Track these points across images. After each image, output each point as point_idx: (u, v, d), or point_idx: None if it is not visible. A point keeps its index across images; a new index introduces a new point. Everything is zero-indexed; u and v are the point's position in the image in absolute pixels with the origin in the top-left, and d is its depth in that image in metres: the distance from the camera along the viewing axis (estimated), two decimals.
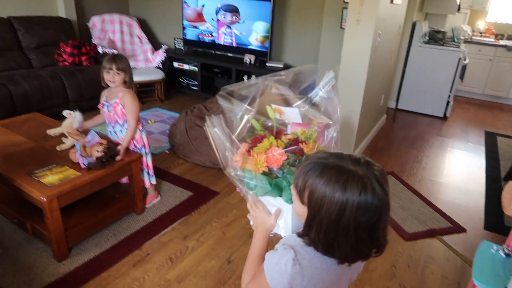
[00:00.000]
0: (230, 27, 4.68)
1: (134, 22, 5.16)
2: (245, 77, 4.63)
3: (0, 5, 4.13)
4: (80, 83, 4.02)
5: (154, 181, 2.57)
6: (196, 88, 5.13)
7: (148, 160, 2.49)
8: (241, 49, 4.70)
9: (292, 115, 1.07)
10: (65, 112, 2.35)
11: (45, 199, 1.82)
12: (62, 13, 4.70)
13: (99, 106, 2.37)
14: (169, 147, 3.52)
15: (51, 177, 1.98)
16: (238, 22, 4.58)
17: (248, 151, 1.04)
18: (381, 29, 3.05)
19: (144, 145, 2.44)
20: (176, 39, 5.25)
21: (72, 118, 2.30)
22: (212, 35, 4.87)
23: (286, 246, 0.85)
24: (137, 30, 5.17)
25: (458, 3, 4.92)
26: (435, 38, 4.96)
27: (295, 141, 1.04)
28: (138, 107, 2.30)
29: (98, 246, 2.18)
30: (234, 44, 4.74)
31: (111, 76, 2.21)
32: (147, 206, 2.58)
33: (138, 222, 2.44)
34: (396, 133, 4.36)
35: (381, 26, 3.03)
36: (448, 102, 4.84)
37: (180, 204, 2.67)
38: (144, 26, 5.57)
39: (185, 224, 2.48)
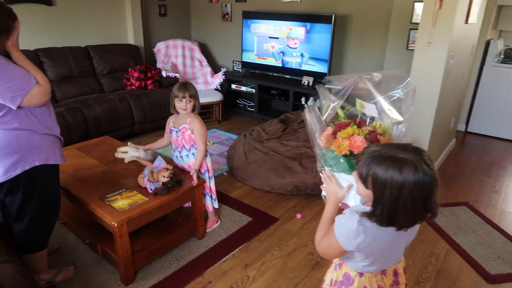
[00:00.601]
0: (288, 50, 4.69)
1: (195, 46, 5.37)
2: (303, 99, 4.58)
3: (78, 35, 4.52)
4: (145, 106, 4.22)
5: (216, 205, 2.58)
6: (253, 110, 5.17)
7: (211, 184, 2.51)
8: (299, 71, 4.68)
9: (371, 109, 1.26)
10: (133, 146, 2.49)
11: (116, 224, 1.88)
12: (131, 40, 5.02)
13: (167, 131, 2.44)
14: (227, 169, 3.54)
15: (122, 201, 2.05)
16: (296, 47, 4.58)
17: (332, 134, 1.25)
18: (454, 51, 2.86)
19: (208, 170, 2.47)
20: (235, 62, 5.37)
21: (136, 151, 2.45)
22: (269, 58, 4.90)
23: (353, 211, 1.07)
24: (198, 54, 5.37)
25: None
26: None
27: (374, 132, 1.24)
28: (206, 132, 2.35)
29: (162, 271, 2.21)
30: (292, 66, 4.73)
31: (184, 104, 2.27)
32: (208, 230, 2.58)
33: (200, 247, 2.44)
34: (468, 158, 4.03)
35: (454, 48, 2.84)
36: None
37: (240, 230, 2.64)
38: (205, 50, 5.78)
39: (246, 251, 2.43)
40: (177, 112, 2.36)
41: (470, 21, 3.07)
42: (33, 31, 4.11)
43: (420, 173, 0.93)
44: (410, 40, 3.83)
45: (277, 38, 4.73)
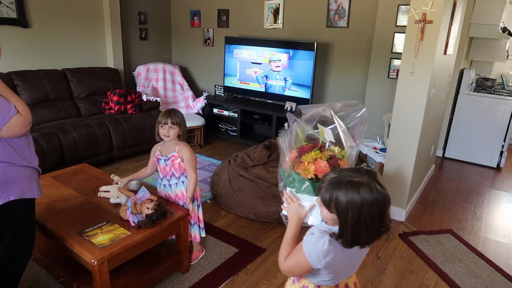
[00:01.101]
0: (270, 75, 4.71)
1: (176, 70, 5.32)
2: (286, 124, 4.57)
3: (55, 58, 4.38)
4: (125, 130, 4.09)
5: (203, 234, 2.48)
6: (235, 134, 5.12)
7: (199, 213, 2.41)
8: (282, 96, 4.69)
9: (329, 134, 1.37)
10: (116, 178, 2.42)
11: (96, 262, 1.74)
12: (111, 64, 4.92)
13: (153, 160, 2.35)
14: (211, 196, 3.44)
15: (102, 236, 1.91)
16: (279, 70, 4.61)
17: (296, 158, 1.33)
18: (435, 81, 2.94)
19: (196, 198, 2.38)
20: (217, 86, 5.35)
21: (123, 184, 2.36)
22: (252, 83, 4.91)
23: (322, 231, 1.15)
24: (179, 78, 5.32)
25: (507, 50, 4.76)
26: (484, 85, 4.77)
27: (335, 158, 1.34)
28: (195, 159, 2.29)
29: None
30: (275, 91, 4.75)
31: (166, 130, 2.21)
32: (193, 262, 2.46)
33: (184, 282, 2.31)
34: (448, 184, 4.09)
35: (435, 77, 2.91)
36: (501, 152, 4.55)
37: (226, 262, 2.53)
38: (186, 73, 5.74)
39: (232, 285, 2.32)
40: (161, 139, 2.28)
41: (448, 52, 3.19)
42: (7, 54, 3.94)
43: (375, 193, 1.05)
44: (391, 69, 3.92)
45: (260, 63, 4.76)
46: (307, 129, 1.41)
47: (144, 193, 2.13)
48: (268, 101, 4.90)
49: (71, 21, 4.47)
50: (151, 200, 2.07)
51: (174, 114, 2.22)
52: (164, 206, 2.12)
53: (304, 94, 4.48)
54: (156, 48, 5.65)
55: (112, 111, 4.34)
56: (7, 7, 3.85)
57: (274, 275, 2.43)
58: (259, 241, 2.80)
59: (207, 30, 5.44)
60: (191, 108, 5.09)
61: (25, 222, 1.70)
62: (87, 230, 1.96)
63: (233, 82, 5.08)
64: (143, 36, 5.41)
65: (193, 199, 2.34)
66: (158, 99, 4.71)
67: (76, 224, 2.02)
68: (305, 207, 1.31)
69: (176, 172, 2.30)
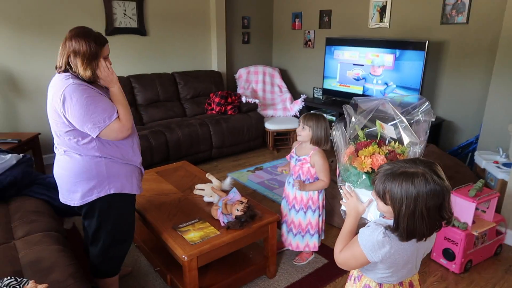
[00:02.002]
0: (369, 78, 4.42)
1: (276, 72, 5.37)
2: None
3: (167, 63, 4.80)
4: (224, 131, 4.26)
5: (323, 236, 2.49)
6: (332, 138, 4.93)
7: (319, 221, 2.39)
8: None
9: (390, 131, 1.34)
10: (211, 177, 2.52)
11: (186, 258, 1.81)
12: (214, 67, 5.20)
13: (287, 157, 2.42)
14: None
15: (193, 233, 1.98)
16: (379, 74, 4.29)
17: (354, 152, 1.31)
18: None
19: (318, 207, 2.36)
20: (315, 89, 5.23)
21: (220, 183, 2.44)
22: (352, 85, 4.67)
23: (378, 223, 1.13)
24: (278, 80, 5.36)
25: None
26: None
27: (394, 152, 1.31)
28: (328, 167, 2.27)
29: None
30: (373, 94, 4.43)
31: (298, 130, 2.28)
32: (303, 263, 2.48)
33: (269, 287, 2.27)
34: None
35: None
36: None
37: (314, 273, 2.42)
38: (285, 76, 5.75)
39: None
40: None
41: None
42: (127, 59, 4.45)
43: (431, 183, 1.02)
44: None
45: (362, 65, 4.49)
46: (363, 122, 1.37)
47: (235, 194, 2.16)
48: None
49: (182, 28, 4.84)
50: (241, 202, 2.08)
51: (309, 117, 2.25)
52: (254, 209, 2.12)
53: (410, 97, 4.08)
54: (257, 51, 5.79)
55: (213, 111, 4.57)
56: (130, 18, 4.34)
57: None
58: None
59: (308, 31, 5.37)
60: (289, 111, 5.08)
61: (124, 215, 1.84)
62: (181, 225, 2.06)
63: (332, 84, 4.90)
64: (246, 39, 5.59)
65: (310, 207, 2.34)
66: (257, 101, 4.80)
67: (172, 219, 2.14)
68: (364, 203, 1.30)
69: (302, 175, 2.30)
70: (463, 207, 2.37)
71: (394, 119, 1.35)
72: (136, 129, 1.87)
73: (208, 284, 2.05)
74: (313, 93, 5.29)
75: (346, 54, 4.64)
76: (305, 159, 2.27)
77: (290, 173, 2.39)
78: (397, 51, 4.10)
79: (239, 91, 5.17)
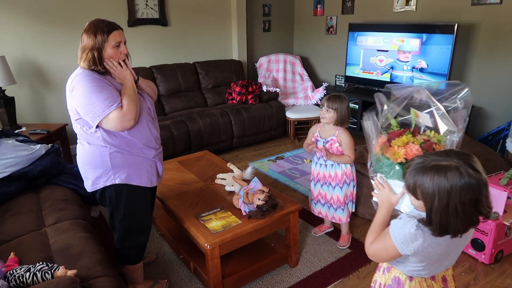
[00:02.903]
0: (397, 65, 4.28)
1: (297, 60, 5.29)
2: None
3: (188, 53, 4.81)
4: (245, 120, 4.25)
5: (353, 209, 2.53)
6: (355, 126, 4.85)
7: (354, 191, 2.50)
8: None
9: (425, 119, 1.28)
10: (232, 166, 2.53)
11: (208, 247, 1.83)
12: (235, 56, 5.18)
13: (312, 140, 2.44)
14: None
15: (215, 222, 2.00)
16: (408, 61, 4.15)
17: (386, 142, 1.27)
18: None
19: (353, 179, 2.46)
20: (338, 76, 5.14)
21: (241, 173, 2.45)
22: (376, 72, 4.55)
23: (410, 215, 1.09)
24: (299, 68, 5.28)
25: None
26: None
27: (429, 141, 1.25)
28: (353, 144, 2.35)
29: None
30: (402, 81, 4.30)
31: (323, 112, 2.32)
32: (342, 247, 2.54)
33: (291, 276, 2.27)
34: None
35: None
36: None
37: (337, 262, 2.40)
38: (306, 64, 5.66)
39: (342, 287, 2.19)
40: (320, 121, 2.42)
41: None
42: (150, 50, 4.49)
43: (466, 177, 0.96)
44: None
45: (387, 51, 4.36)
46: (396, 111, 1.32)
47: (256, 183, 2.16)
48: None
49: (202, 17, 4.83)
50: (263, 191, 2.08)
51: (333, 99, 2.29)
52: (275, 198, 2.11)
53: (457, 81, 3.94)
54: (278, 39, 5.72)
55: (234, 101, 4.57)
56: (152, 8, 4.36)
57: None
58: None
59: (330, 18, 5.24)
60: (310, 99, 5.01)
61: (135, 205, 1.81)
62: (203, 214, 2.08)
63: (355, 71, 4.79)
64: (267, 27, 5.52)
65: (345, 181, 2.41)
66: (278, 89, 4.76)
67: (194, 208, 2.17)
68: (397, 194, 1.25)
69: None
70: (494, 196, 2.25)
71: (429, 107, 1.29)
72: (158, 120, 1.87)
73: (230, 273, 2.08)
74: (335, 81, 5.19)
75: (370, 40, 4.51)
76: (333, 140, 2.33)
77: (318, 155, 2.44)
78: (424, 35, 3.96)
79: (260, 80, 5.14)
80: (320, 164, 2.45)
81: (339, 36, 5.17)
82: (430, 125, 1.29)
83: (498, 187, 2.26)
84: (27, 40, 3.72)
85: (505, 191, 2.22)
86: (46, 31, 3.79)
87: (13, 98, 3.43)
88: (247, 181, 2.30)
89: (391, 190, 1.26)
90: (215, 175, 2.53)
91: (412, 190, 1.05)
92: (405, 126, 1.34)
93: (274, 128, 4.59)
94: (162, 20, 4.47)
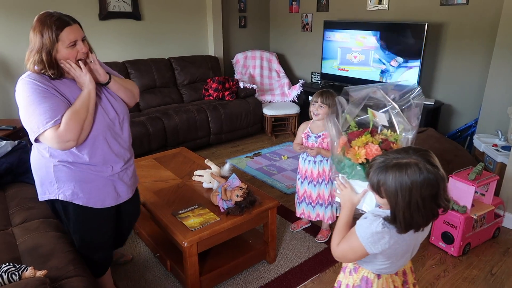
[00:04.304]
0: (371, 60, 4.37)
1: (273, 57, 5.30)
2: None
3: (162, 48, 4.71)
4: (222, 116, 4.22)
5: (338, 213, 2.53)
6: None
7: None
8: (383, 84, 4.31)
9: (382, 118, 1.30)
10: (210, 163, 2.52)
11: (186, 244, 1.80)
12: (211, 52, 5.12)
13: (303, 136, 2.45)
14: None
15: (193, 219, 1.97)
16: (380, 57, 4.24)
17: (347, 143, 1.29)
18: None
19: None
20: (314, 73, 5.18)
21: (219, 169, 2.44)
22: (351, 69, 4.62)
23: (376, 214, 1.11)
24: (276, 65, 5.29)
25: None
26: None
27: (387, 141, 1.28)
28: None
29: None
30: (375, 78, 4.39)
31: (315, 108, 2.31)
32: (326, 240, 2.58)
33: (269, 272, 2.28)
34: None
35: None
36: None
37: (314, 257, 2.43)
38: (283, 60, 5.68)
39: (319, 282, 2.21)
40: (311, 117, 2.40)
41: None
42: (122, 45, 4.36)
43: (424, 172, 1.00)
44: None
45: (360, 48, 4.44)
46: (355, 112, 1.34)
47: (234, 180, 2.14)
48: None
49: (177, 12, 4.74)
50: (241, 188, 2.07)
51: (325, 95, 2.29)
52: (253, 195, 2.10)
53: (409, 81, 4.05)
54: (254, 35, 5.70)
55: (211, 97, 4.52)
56: (124, 1, 4.23)
57: None
58: None
59: (306, 15, 5.28)
60: (287, 96, 5.03)
61: (84, 225, 1.63)
62: (180, 211, 2.04)
63: (333, 66, 4.85)
64: (242, 24, 5.49)
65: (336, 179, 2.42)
66: (255, 86, 4.75)
67: (171, 205, 2.13)
68: (358, 193, 1.28)
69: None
70: (462, 190, 2.37)
71: (385, 106, 1.32)
72: (132, 116, 1.75)
73: (208, 270, 2.05)
74: (312, 78, 5.24)
75: (344, 38, 4.57)
76: (324, 135, 2.34)
77: (308, 151, 2.42)
78: (396, 34, 4.05)
79: (237, 76, 5.11)
80: (309, 161, 2.45)
81: (315, 33, 5.21)
82: (386, 124, 1.32)
83: (466, 181, 2.34)
84: None
85: (473, 185, 2.31)
86: (10, 22, 3.61)
87: None
88: (225, 178, 2.28)
89: (353, 190, 1.28)
90: (192, 172, 2.50)
91: (376, 188, 1.08)
92: (363, 126, 1.37)
93: (251, 124, 4.58)
94: (135, 14, 4.36)
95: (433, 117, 4.02)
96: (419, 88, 1.32)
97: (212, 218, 1.98)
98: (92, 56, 1.51)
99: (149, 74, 4.29)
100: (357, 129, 1.36)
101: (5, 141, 2.37)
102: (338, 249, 1.21)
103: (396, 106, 1.32)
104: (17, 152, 2.36)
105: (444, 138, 3.41)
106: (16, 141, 2.46)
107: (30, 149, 2.48)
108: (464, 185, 2.35)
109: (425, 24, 3.77)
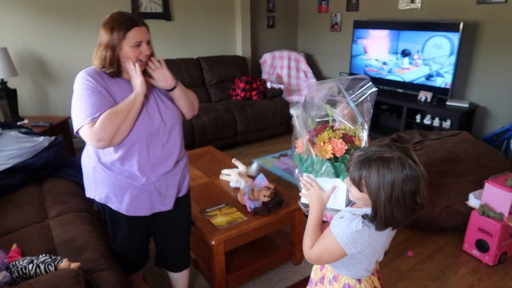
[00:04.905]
0: (404, 62, 4.26)
1: (301, 57, 5.26)
2: (418, 117, 4.10)
3: (191, 48, 4.78)
4: (249, 116, 4.23)
5: None
6: None
7: None
8: (415, 85, 4.20)
9: (337, 113, 1.32)
10: (237, 162, 2.52)
11: (213, 243, 1.82)
12: (239, 52, 5.15)
13: None
14: None
15: (221, 218, 1.98)
16: (414, 58, 4.12)
17: (309, 140, 1.26)
18: None
19: None
20: (342, 74, 5.11)
21: (246, 169, 2.45)
22: (381, 69, 4.52)
23: (353, 213, 1.09)
24: (304, 65, 5.25)
25: None
26: None
27: (347, 135, 1.29)
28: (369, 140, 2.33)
29: None
30: (406, 80, 4.28)
31: (341, 109, 2.23)
32: None
33: (295, 274, 2.26)
34: None
35: None
36: None
37: None
38: (310, 61, 5.64)
39: None
40: None
41: None
42: (153, 44, 4.43)
43: (407, 168, 0.99)
44: None
45: (392, 48, 4.33)
46: (317, 107, 1.33)
47: (262, 180, 2.14)
48: (398, 90, 4.45)
49: (206, 12, 4.79)
50: (268, 188, 2.06)
51: None
52: (281, 195, 2.10)
53: (442, 82, 3.92)
54: (282, 35, 5.68)
55: (238, 97, 4.54)
56: (155, 2, 4.33)
57: (394, 284, 2.19)
58: None
59: (335, 14, 5.21)
60: None
61: (116, 229, 1.65)
62: (208, 210, 2.06)
63: (359, 68, 4.76)
64: (271, 23, 5.49)
65: None
66: (282, 86, 4.74)
67: (199, 203, 2.15)
68: (327, 190, 1.23)
69: None
70: (499, 197, 2.27)
71: (341, 101, 1.34)
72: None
73: (234, 269, 2.06)
74: None
75: (375, 38, 4.48)
76: None
77: None
78: (429, 33, 3.93)
79: (264, 76, 5.11)
80: None
81: (344, 33, 5.14)
82: (342, 120, 1.33)
83: (504, 187, 2.24)
84: (29, 32, 3.68)
85: (511, 192, 2.21)
86: (49, 23, 3.75)
87: (15, 90, 3.41)
88: (252, 178, 2.28)
89: (320, 188, 1.23)
90: (219, 170, 2.51)
91: (357, 182, 1.04)
92: (321, 123, 1.36)
93: (278, 125, 4.57)
94: (165, 15, 4.44)
95: (467, 119, 3.87)
96: (370, 82, 1.32)
97: (240, 218, 1.99)
98: (161, 60, 1.53)
99: (178, 73, 4.36)
100: (317, 126, 1.34)
101: (42, 137, 2.46)
102: (312, 252, 1.15)
103: (350, 100, 1.31)
104: (53, 147, 2.45)
105: (479, 141, 3.27)
106: (53, 137, 2.55)
107: (63, 147, 2.59)
108: (501, 191, 2.25)
109: (460, 23, 3.64)
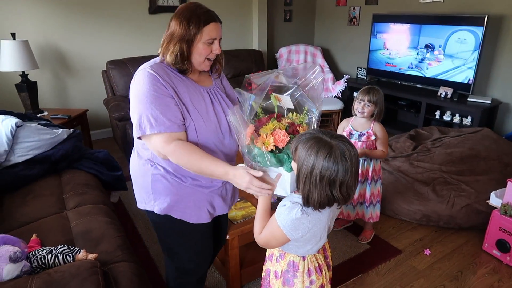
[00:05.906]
0: (425, 55, 4.16)
1: (318, 51, 5.20)
2: (437, 113, 4.00)
3: None
4: None
5: (379, 210, 2.49)
6: None
7: (380, 190, 2.45)
8: (435, 80, 4.10)
9: (287, 102, 1.31)
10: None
11: (228, 237, 1.82)
12: (255, 46, 5.12)
13: (345, 133, 2.33)
14: None
15: (235, 212, 1.98)
16: (436, 53, 4.02)
17: (255, 131, 1.26)
18: None
19: (380, 176, 2.42)
20: (359, 69, 5.03)
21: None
22: (400, 64, 4.42)
23: (294, 201, 1.16)
24: (320, 60, 5.19)
25: None
26: None
27: (293, 124, 1.29)
28: (387, 138, 2.31)
29: None
30: (426, 75, 4.18)
31: (361, 107, 2.21)
32: (365, 241, 2.52)
33: None
34: None
35: None
36: None
37: (356, 257, 2.36)
38: (327, 55, 5.57)
39: (361, 284, 2.15)
40: (355, 114, 2.29)
41: None
42: None
43: (332, 159, 1.05)
44: None
45: (413, 43, 4.23)
46: (259, 98, 1.31)
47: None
48: (417, 85, 4.36)
49: (223, 6, 4.77)
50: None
51: (373, 92, 2.17)
52: None
53: (464, 78, 3.81)
54: (299, 29, 5.62)
55: (254, 91, 4.51)
56: None
57: (410, 282, 2.16)
58: (394, 241, 2.53)
59: (353, 8, 5.12)
60: (330, 91, 4.92)
61: (177, 243, 1.50)
62: None
63: (377, 63, 4.68)
64: (288, 17, 5.43)
65: (374, 179, 2.37)
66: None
67: None
68: (273, 179, 1.27)
69: (367, 149, 2.29)
70: None
71: (289, 89, 1.32)
72: None
73: (248, 264, 2.06)
74: (357, 74, 5.09)
75: (395, 32, 4.39)
76: (369, 132, 2.25)
77: None
78: (452, 27, 3.82)
79: None
80: None
81: (362, 27, 5.05)
82: (292, 107, 1.32)
83: None
84: (50, 25, 3.74)
85: None
86: (68, 17, 3.80)
87: (35, 82, 3.47)
88: None
89: (268, 176, 1.25)
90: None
91: (293, 152, 1.13)
92: (270, 112, 1.35)
93: None
94: None
95: (489, 116, 3.77)
96: (318, 68, 1.34)
97: (254, 212, 1.98)
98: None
99: None
100: (264, 115, 1.34)
101: (61, 129, 2.50)
102: (260, 237, 1.25)
103: (300, 88, 1.31)
104: (72, 139, 2.49)
105: (502, 139, 3.18)
106: (71, 130, 2.59)
107: (81, 139, 2.61)
108: None
109: (484, 17, 3.52)
